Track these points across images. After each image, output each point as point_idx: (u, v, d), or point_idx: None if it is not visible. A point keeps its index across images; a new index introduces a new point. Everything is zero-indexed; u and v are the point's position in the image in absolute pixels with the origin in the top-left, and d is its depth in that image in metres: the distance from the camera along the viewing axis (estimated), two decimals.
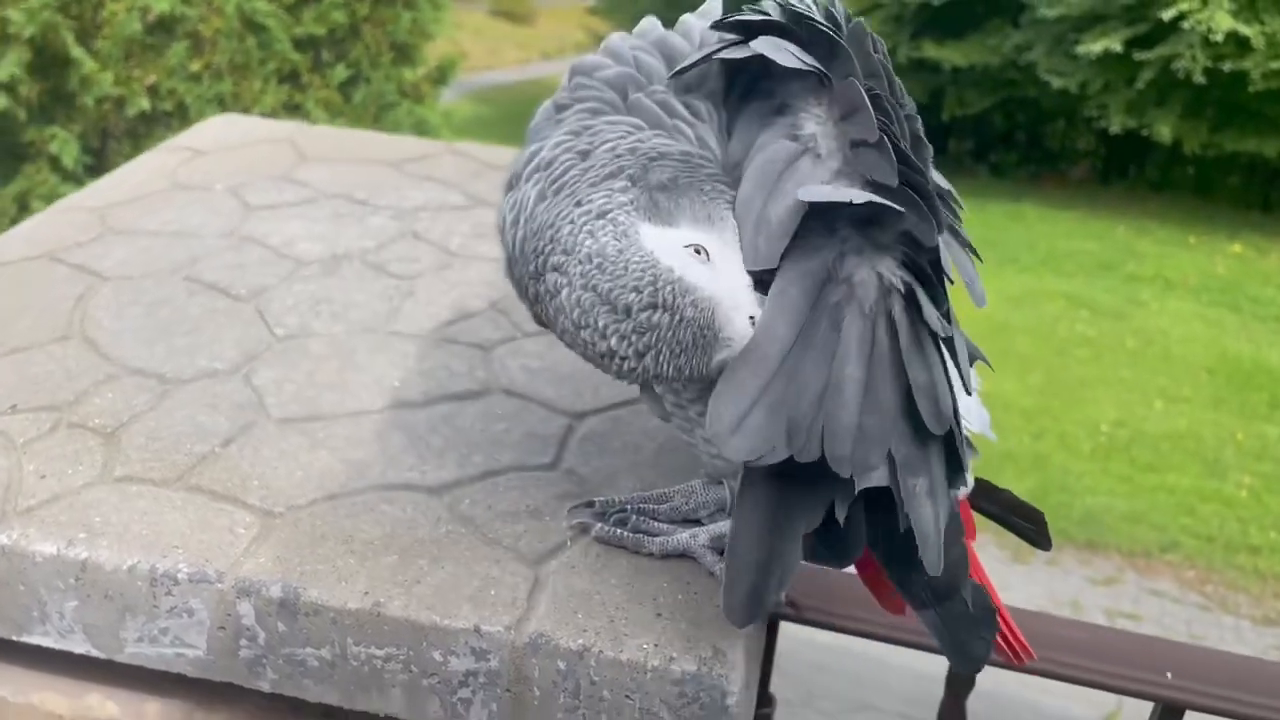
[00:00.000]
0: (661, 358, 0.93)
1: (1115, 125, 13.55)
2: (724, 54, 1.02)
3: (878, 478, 0.93)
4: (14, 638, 1.26)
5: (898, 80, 1.04)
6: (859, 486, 0.92)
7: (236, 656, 1.19)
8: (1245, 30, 11.74)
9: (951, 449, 0.97)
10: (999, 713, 4.87)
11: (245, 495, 1.27)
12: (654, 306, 0.92)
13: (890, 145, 0.93)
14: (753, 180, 0.97)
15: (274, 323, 1.58)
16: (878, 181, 0.93)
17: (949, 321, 0.96)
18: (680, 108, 1.04)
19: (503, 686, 1.13)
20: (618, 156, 0.99)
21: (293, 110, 8.61)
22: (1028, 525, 1.23)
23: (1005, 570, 6.91)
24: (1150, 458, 9.01)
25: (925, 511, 0.94)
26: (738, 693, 1.08)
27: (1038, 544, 1.24)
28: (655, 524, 1.23)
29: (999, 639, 1.16)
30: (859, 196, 0.90)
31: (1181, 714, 1.70)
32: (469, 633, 1.12)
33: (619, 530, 1.23)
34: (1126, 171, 15.67)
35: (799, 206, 0.92)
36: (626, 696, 1.10)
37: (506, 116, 19.10)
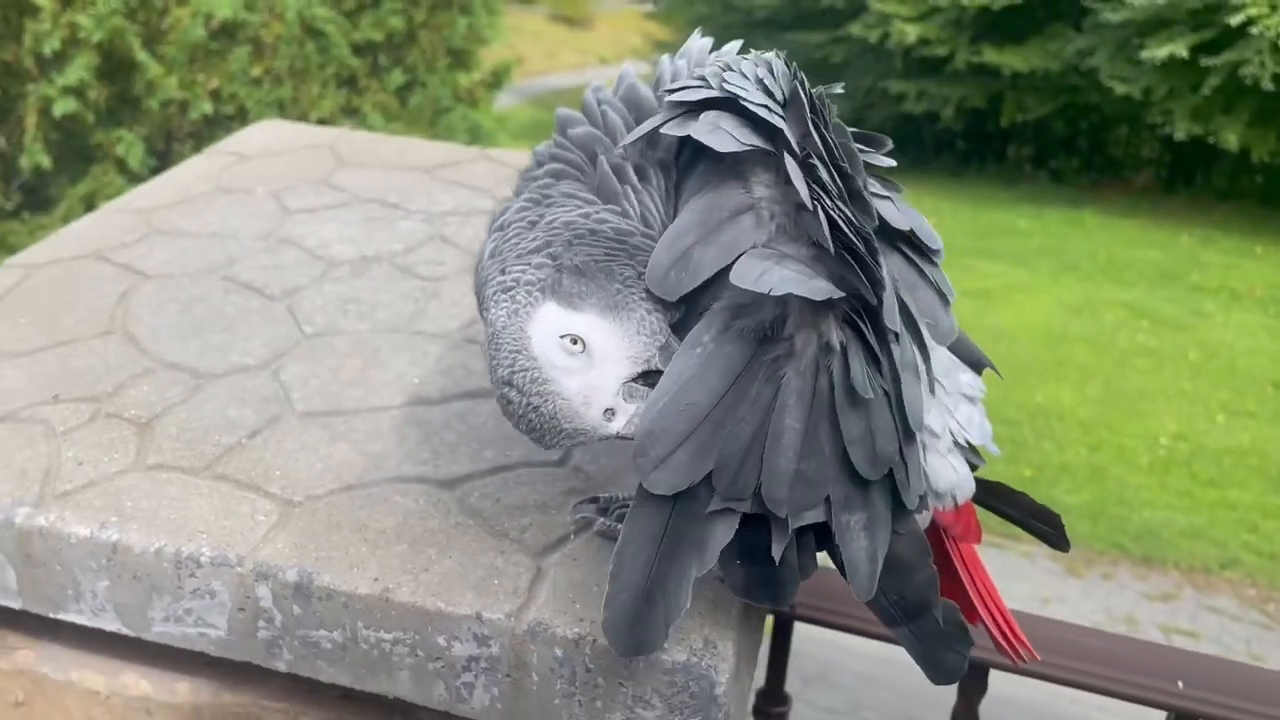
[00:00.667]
0: (519, 426, 1.06)
1: (1180, 132, 13.29)
2: (666, 128, 1.06)
3: (811, 516, 1.00)
4: (50, 614, 1.33)
5: (841, 138, 1.07)
6: (792, 526, 0.99)
7: (255, 637, 1.25)
8: None
9: (894, 485, 1.03)
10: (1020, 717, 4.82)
11: (267, 484, 1.33)
12: (509, 385, 1.03)
13: (824, 213, 0.98)
14: (694, 215, 1.02)
15: (303, 321, 1.65)
16: (818, 244, 0.99)
17: (896, 369, 1.01)
18: (632, 174, 1.10)
19: (503, 672, 1.18)
20: (552, 231, 1.06)
21: (350, 114, 8.79)
22: (1046, 528, 1.25)
23: (1059, 584, 6.83)
24: (1212, 472, 8.84)
25: (859, 544, 1.01)
26: (726, 683, 1.12)
27: (1056, 545, 1.27)
28: None
29: (1000, 641, 1.19)
30: (778, 289, 0.95)
31: None
32: (471, 619, 1.16)
33: (620, 525, 1.27)
34: (1192, 179, 15.36)
35: (722, 261, 0.99)
36: (620, 684, 1.14)
37: None
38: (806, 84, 1.08)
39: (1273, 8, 11.61)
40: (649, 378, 1.05)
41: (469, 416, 1.46)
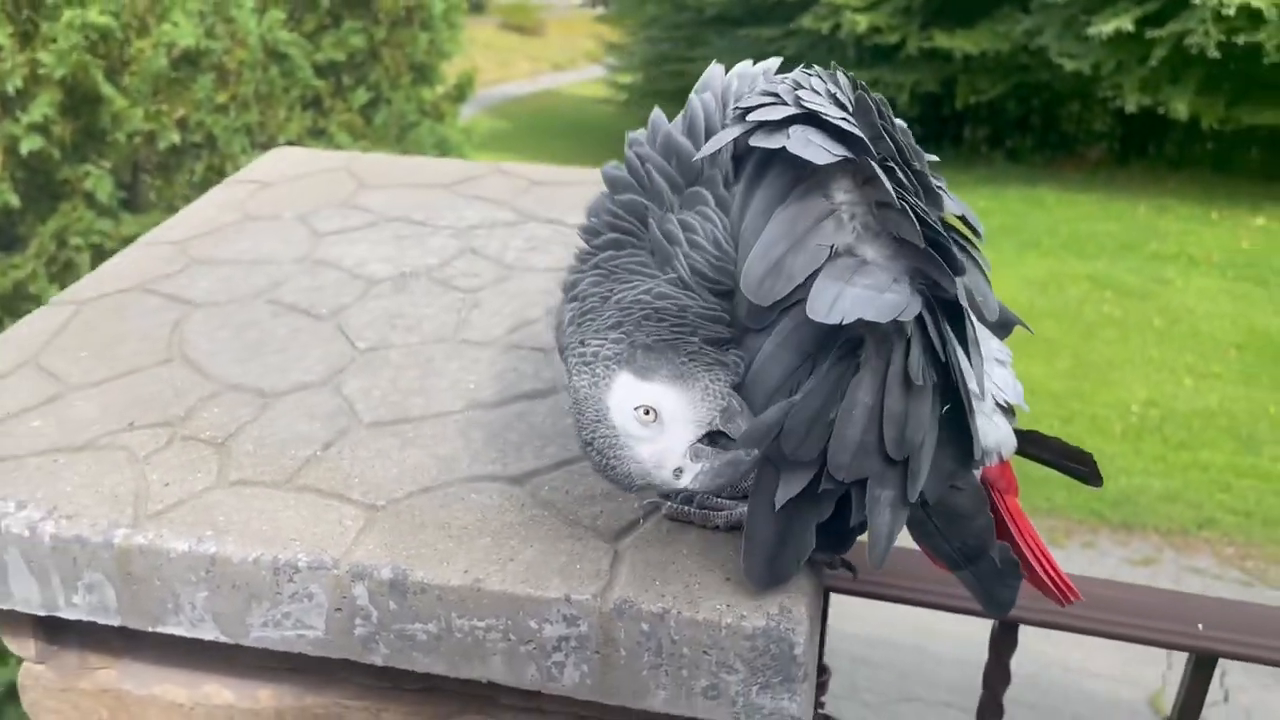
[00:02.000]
0: (602, 476, 1.23)
1: (1130, 105, 13.55)
2: (756, 140, 1.15)
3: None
4: (149, 628, 1.40)
5: (905, 138, 1.19)
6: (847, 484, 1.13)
7: (352, 635, 1.33)
8: (1257, 2, 11.74)
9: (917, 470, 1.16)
10: (1045, 697, 4.96)
11: (348, 491, 1.41)
12: (590, 447, 1.20)
13: (910, 210, 1.09)
14: (781, 226, 1.13)
15: (355, 337, 1.73)
16: (903, 238, 1.10)
17: (955, 356, 1.13)
18: (680, 234, 1.20)
19: (592, 649, 1.27)
20: (624, 310, 1.19)
21: (317, 135, 8.81)
22: (1079, 467, 1.37)
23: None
24: (1183, 436, 9.01)
25: (883, 519, 1.15)
26: (803, 644, 1.21)
27: (1090, 482, 1.40)
28: (718, 500, 1.37)
29: (1047, 582, 1.30)
30: (848, 316, 1.06)
31: (1214, 663, 1.81)
32: (561, 601, 1.25)
33: (686, 508, 1.37)
34: (1144, 150, 15.65)
35: (811, 266, 1.10)
36: (704, 652, 1.23)
37: (523, 129, 19.30)
38: (868, 91, 1.19)
39: None
40: (714, 439, 1.20)
41: (528, 416, 1.55)
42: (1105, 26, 12.86)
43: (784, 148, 1.11)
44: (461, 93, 9.91)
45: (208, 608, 1.36)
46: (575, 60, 24.85)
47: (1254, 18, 11.97)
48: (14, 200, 7.29)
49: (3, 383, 1.64)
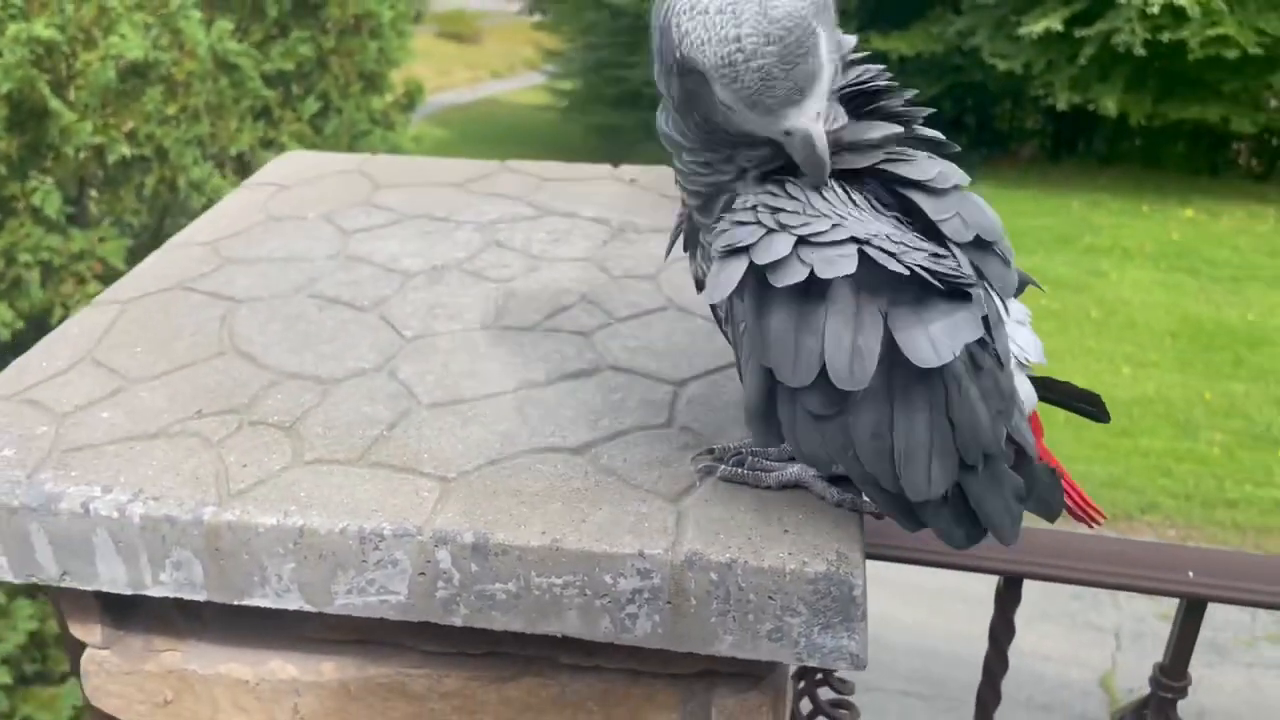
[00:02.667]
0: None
1: (1061, 102, 14.01)
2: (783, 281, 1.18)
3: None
4: (235, 602, 1.48)
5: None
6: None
7: (434, 598, 1.42)
8: (1181, 1, 12.21)
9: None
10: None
11: (420, 466, 1.50)
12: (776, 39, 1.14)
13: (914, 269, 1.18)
14: (834, 319, 1.18)
15: (400, 326, 1.81)
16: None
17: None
18: None
19: (664, 599, 1.37)
20: None
21: (268, 146, 8.79)
22: (1089, 407, 1.52)
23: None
24: (1123, 423, 9.31)
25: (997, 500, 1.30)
26: (862, 585, 1.33)
27: (1099, 419, 1.54)
28: (768, 462, 1.48)
29: (1077, 507, 1.47)
30: (957, 348, 1.18)
31: (1203, 608, 1.97)
32: (635, 556, 1.35)
33: (739, 469, 1.47)
34: (1075, 147, 16.16)
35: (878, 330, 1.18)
36: (769, 597, 1.35)
37: (466, 137, 19.33)
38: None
39: None
40: None
41: (578, 393, 1.65)
42: (1035, 26, 13.29)
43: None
44: (411, 101, 9.97)
45: (294, 578, 1.44)
46: (514, 68, 24.90)
47: (1178, 15, 12.46)
48: None
49: (64, 377, 1.70)
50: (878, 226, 1.21)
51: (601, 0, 18.08)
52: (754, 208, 1.23)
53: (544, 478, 1.48)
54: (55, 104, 7.44)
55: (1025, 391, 1.40)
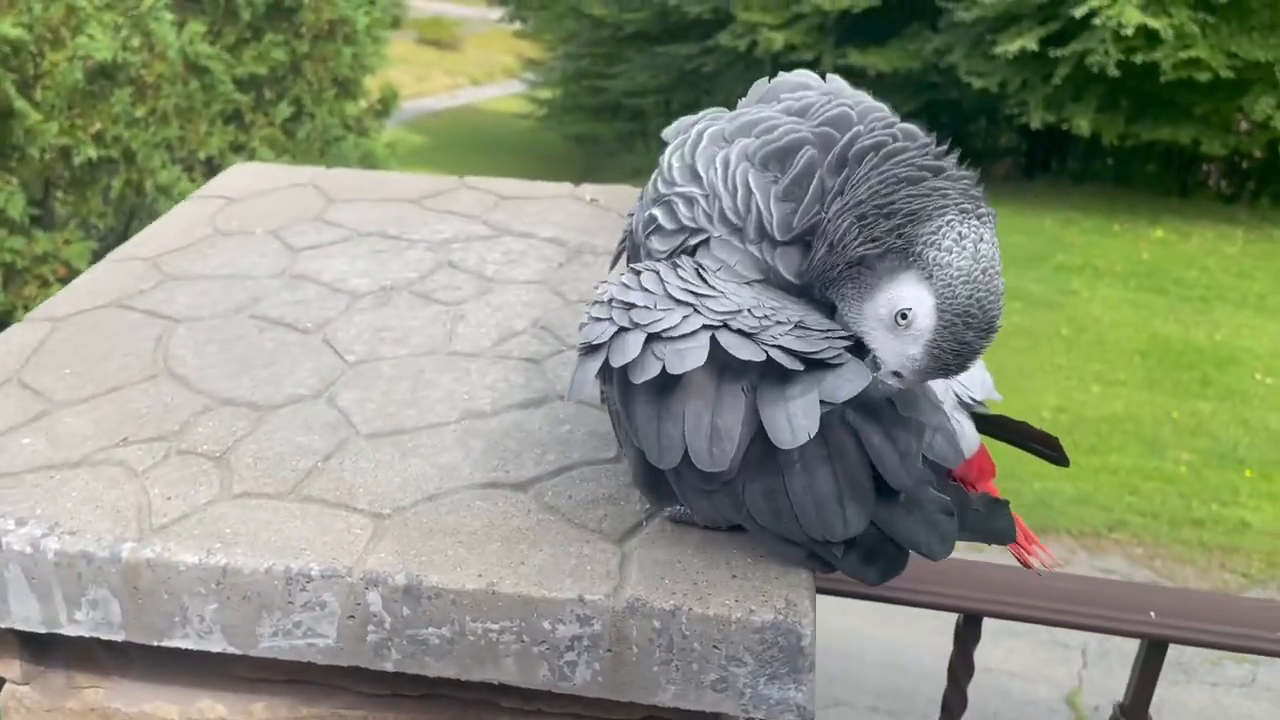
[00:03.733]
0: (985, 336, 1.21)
1: (1035, 121, 14.06)
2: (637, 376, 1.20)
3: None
4: (154, 643, 1.40)
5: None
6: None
7: (364, 641, 1.36)
8: (1154, 23, 12.30)
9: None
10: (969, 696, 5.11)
11: (354, 501, 1.43)
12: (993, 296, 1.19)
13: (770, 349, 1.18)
14: (692, 400, 1.20)
15: (344, 350, 1.75)
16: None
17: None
18: None
19: (604, 647, 1.31)
20: None
21: (238, 150, 8.69)
22: (1046, 449, 1.46)
23: (966, 558, 7.19)
24: (1092, 440, 9.32)
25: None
26: (810, 635, 1.27)
27: (1058, 462, 1.48)
28: None
29: (1025, 552, 1.44)
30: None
31: (1165, 649, 1.93)
32: (574, 602, 1.29)
33: (687, 509, 1.42)
34: (1049, 165, 16.25)
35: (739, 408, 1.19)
36: (714, 646, 1.29)
37: (443, 144, 19.23)
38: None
39: (1112, 0, 12.41)
40: None
41: (524, 425, 1.59)
42: (1011, 46, 13.35)
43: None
44: (385, 107, 9.91)
45: (216, 619, 1.37)
46: (494, 75, 24.85)
47: (1151, 38, 12.54)
48: None
49: None
50: (741, 301, 1.21)
51: (582, 10, 18.05)
52: (608, 301, 1.24)
53: (484, 515, 1.42)
54: (20, 104, 7.31)
55: (964, 430, 1.35)
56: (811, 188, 1.23)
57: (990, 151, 16.96)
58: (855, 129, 1.24)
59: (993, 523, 1.36)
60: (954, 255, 1.15)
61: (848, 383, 1.17)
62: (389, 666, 1.37)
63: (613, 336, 1.20)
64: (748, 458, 1.19)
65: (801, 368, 1.16)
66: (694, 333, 1.17)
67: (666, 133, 1.39)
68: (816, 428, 1.15)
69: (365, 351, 1.75)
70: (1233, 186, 15.46)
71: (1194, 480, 8.92)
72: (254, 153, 8.53)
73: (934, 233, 1.16)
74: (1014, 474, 8.27)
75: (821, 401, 1.16)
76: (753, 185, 1.25)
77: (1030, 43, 13.31)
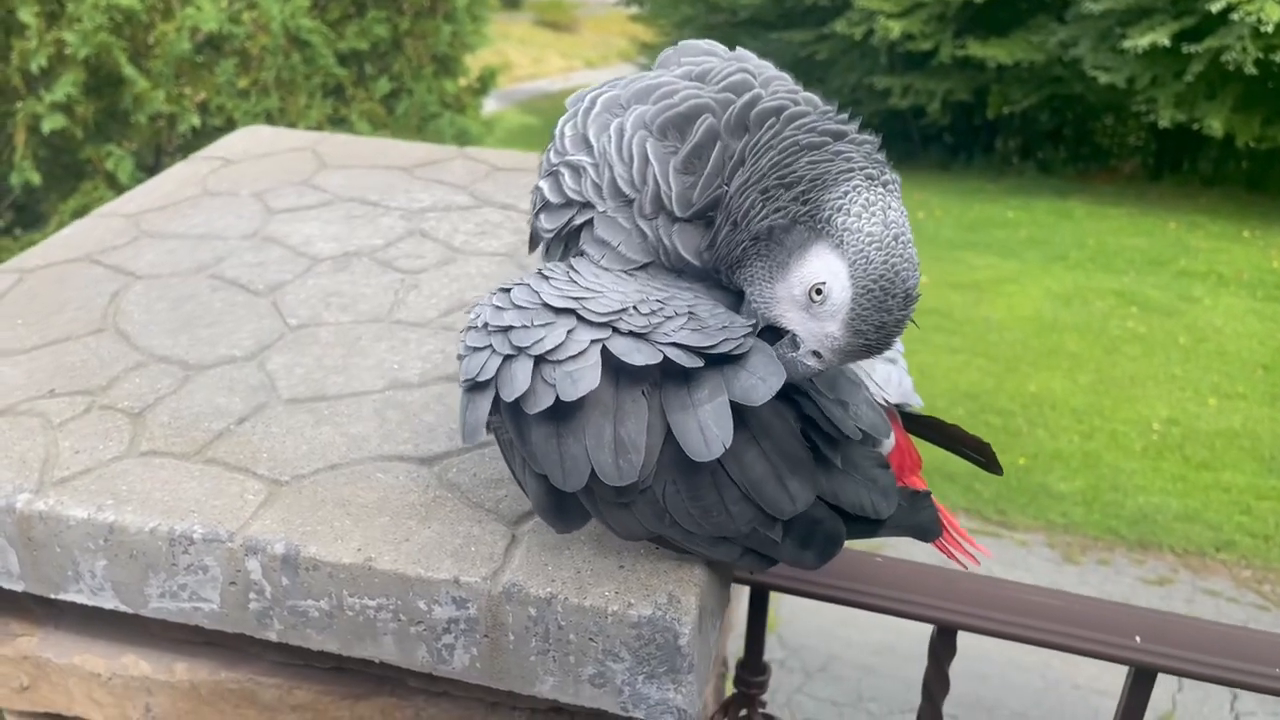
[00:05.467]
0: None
1: (1165, 120, 13.37)
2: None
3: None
4: (51, 595, 1.40)
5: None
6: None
7: (247, 609, 1.32)
8: None
9: None
10: (1031, 710, 4.90)
11: (255, 466, 1.40)
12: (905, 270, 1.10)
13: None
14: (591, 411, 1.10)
15: (288, 314, 1.72)
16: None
17: None
18: None
19: (481, 632, 1.25)
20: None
21: (338, 124, 8.86)
22: (976, 455, 1.37)
23: (1056, 571, 6.91)
24: (1204, 456, 8.89)
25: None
26: (689, 634, 1.19)
27: (990, 469, 1.39)
28: None
29: (952, 543, 1.36)
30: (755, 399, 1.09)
31: (1153, 678, 1.77)
32: (450, 583, 1.23)
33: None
34: (1178, 166, 15.45)
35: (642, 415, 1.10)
36: (590, 639, 1.21)
37: (553, 125, 19.36)
38: None
39: None
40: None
41: (446, 398, 1.53)
42: (1141, 40, 12.71)
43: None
44: (484, 85, 9.96)
45: (107, 576, 1.35)
46: (608, 58, 24.88)
47: None
48: (35, 178, 7.39)
49: None
50: (625, 297, 1.12)
51: None
52: (484, 327, 1.14)
53: (380, 488, 1.37)
54: (130, 71, 7.59)
55: (873, 415, 1.24)
56: (712, 158, 1.14)
57: (1116, 150, 16.23)
58: (755, 91, 1.14)
59: (915, 517, 1.27)
60: (864, 221, 1.07)
61: (762, 382, 1.08)
62: (273, 636, 1.34)
63: (499, 369, 1.10)
64: (662, 461, 1.10)
65: (701, 363, 1.07)
66: (582, 351, 1.08)
67: (567, 101, 1.31)
68: (731, 436, 1.07)
69: (308, 316, 1.71)
70: None
71: None
72: (352, 126, 8.69)
73: (841, 197, 1.07)
74: (1118, 486, 7.93)
75: (735, 404, 1.08)
76: (650, 155, 1.17)
77: (1162, 37, 12.64)
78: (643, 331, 1.08)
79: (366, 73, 8.97)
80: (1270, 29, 11.67)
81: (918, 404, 1.32)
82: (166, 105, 7.64)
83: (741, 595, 1.81)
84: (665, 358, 1.06)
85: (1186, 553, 7.57)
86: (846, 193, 1.07)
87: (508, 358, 1.10)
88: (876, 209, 1.07)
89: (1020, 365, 9.30)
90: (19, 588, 1.41)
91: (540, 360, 1.08)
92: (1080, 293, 11.26)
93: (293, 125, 8.27)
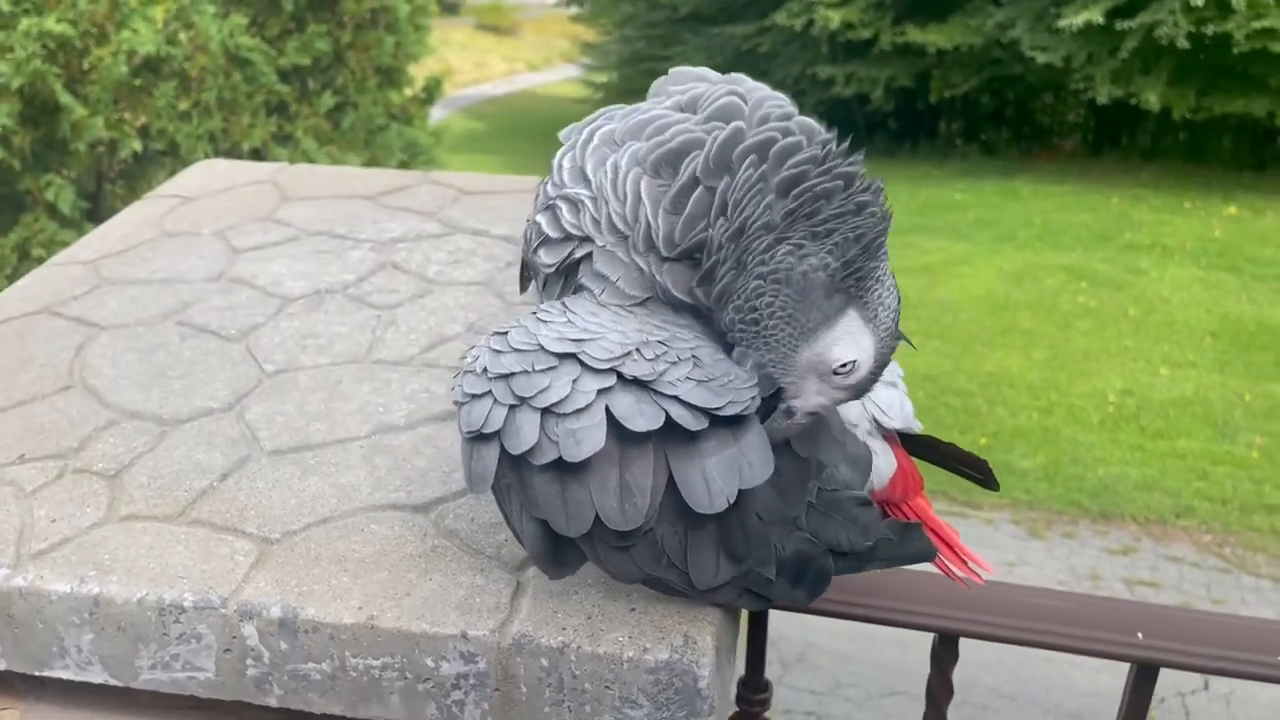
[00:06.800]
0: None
1: (1103, 96, 13.54)
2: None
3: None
4: (36, 673, 1.34)
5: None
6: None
7: (244, 676, 1.28)
8: None
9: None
10: (1029, 686, 4.93)
11: (243, 524, 1.35)
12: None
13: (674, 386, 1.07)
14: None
15: (263, 360, 1.67)
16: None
17: None
18: None
19: (491, 686, 1.21)
20: None
21: (283, 141, 8.73)
22: (974, 473, 1.37)
23: (1023, 546, 6.97)
24: (1160, 425, 9.01)
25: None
26: (708, 676, 1.16)
27: (987, 486, 1.38)
28: None
29: (953, 564, 1.36)
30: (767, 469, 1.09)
31: (1155, 673, 1.77)
32: (457, 638, 1.20)
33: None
34: (1118, 141, 15.68)
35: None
36: (606, 687, 1.18)
37: (498, 130, 19.23)
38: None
39: None
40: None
41: (436, 440, 1.49)
42: (1075, 19, 12.85)
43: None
44: (430, 95, 9.86)
45: (94, 650, 1.30)
46: (551, 60, 24.81)
47: (1223, 7, 11.99)
48: None
49: None
50: (626, 338, 1.09)
51: None
52: (483, 373, 1.09)
53: (376, 540, 1.32)
54: (66, 99, 7.41)
55: (878, 455, 1.24)
56: (692, 201, 1.11)
57: (1057, 128, 16.43)
58: (737, 125, 1.11)
59: (906, 548, 1.26)
60: (886, 295, 1.08)
61: (750, 468, 1.07)
62: (273, 702, 1.29)
63: (505, 420, 1.06)
64: (663, 504, 1.07)
65: (707, 424, 1.05)
66: (588, 406, 1.04)
67: (561, 134, 1.28)
68: (736, 492, 1.05)
69: (285, 360, 1.66)
70: None
71: (1267, 465, 8.57)
72: (298, 143, 8.56)
73: (877, 267, 1.07)
74: (1078, 459, 8.02)
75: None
76: (643, 194, 1.14)
77: (1096, 15, 12.81)
78: (647, 379, 1.05)
79: (310, 88, 8.84)
80: (1201, 2, 11.87)
81: (917, 428, 1.31)
82: (106, 131, 7.47)
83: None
84: (668, 418, 1.04)
85: (1148, 521, 7.67)
86: (883, 263, 1.06)
87: (512, 408, 1.06)
88: (890, 278, 1.08)
89: (976, 345, 9.39)
90: (1, 666, 1.34)
91: (545, 413, 1.05)
92: (1031, 270, 11.38)
93: (237, 145, 8.13)
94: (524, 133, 19.18)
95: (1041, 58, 13.65)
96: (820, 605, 1.77)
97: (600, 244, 1.16)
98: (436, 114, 10.92)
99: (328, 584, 1.26)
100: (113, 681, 1.32)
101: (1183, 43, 12.23)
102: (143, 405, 1.57)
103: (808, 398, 1.09)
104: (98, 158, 7.90)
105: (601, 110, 1.28)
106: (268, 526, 1.35)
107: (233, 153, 8.29)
